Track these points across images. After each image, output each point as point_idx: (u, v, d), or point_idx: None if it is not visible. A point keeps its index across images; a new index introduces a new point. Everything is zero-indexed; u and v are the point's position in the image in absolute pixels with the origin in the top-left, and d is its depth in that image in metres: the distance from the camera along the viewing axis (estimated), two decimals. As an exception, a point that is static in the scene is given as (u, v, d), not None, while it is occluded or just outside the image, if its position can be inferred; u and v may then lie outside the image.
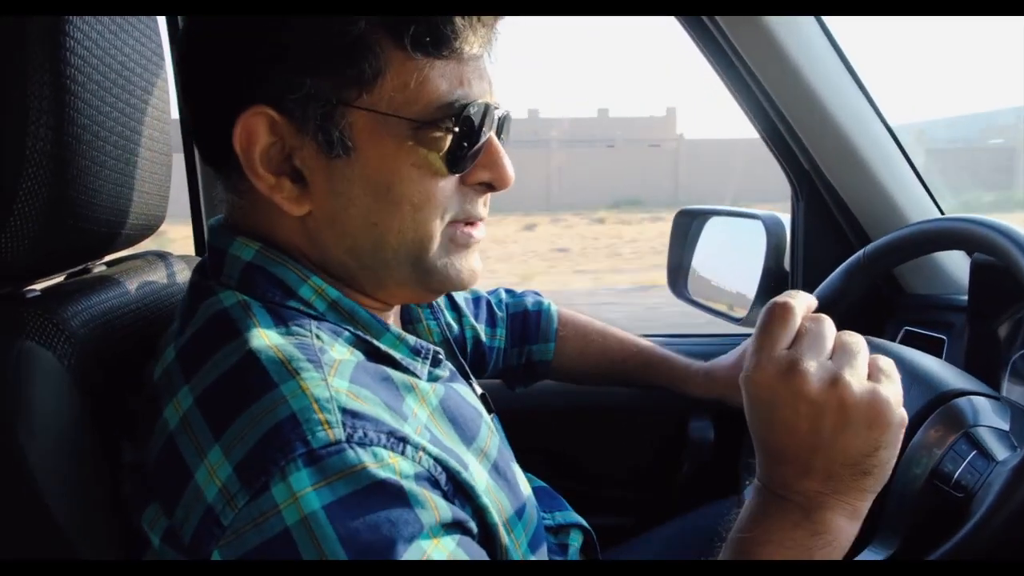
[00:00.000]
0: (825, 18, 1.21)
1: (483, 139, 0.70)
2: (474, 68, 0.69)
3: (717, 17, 1.17)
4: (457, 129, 0.67)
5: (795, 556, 0.63)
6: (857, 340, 0.65)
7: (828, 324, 0.66)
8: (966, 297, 1.15)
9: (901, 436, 0.64)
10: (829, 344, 0.65)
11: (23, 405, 0.63)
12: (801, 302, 0.66)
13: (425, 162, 0.67)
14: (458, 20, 0.65)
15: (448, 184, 0.70)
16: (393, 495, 0.57)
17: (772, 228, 1.45)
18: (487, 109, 0.69)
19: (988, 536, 0.73)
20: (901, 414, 0.64)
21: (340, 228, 0.70)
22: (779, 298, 0.66)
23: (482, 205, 0.74)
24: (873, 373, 0.64)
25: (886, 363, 0.66)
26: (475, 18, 0.66)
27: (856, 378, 0.63)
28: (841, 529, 0.64)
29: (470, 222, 0.73)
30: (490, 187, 0.73)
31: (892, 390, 0.64)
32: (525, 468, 0.83)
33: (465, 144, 0.68)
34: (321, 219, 0.70)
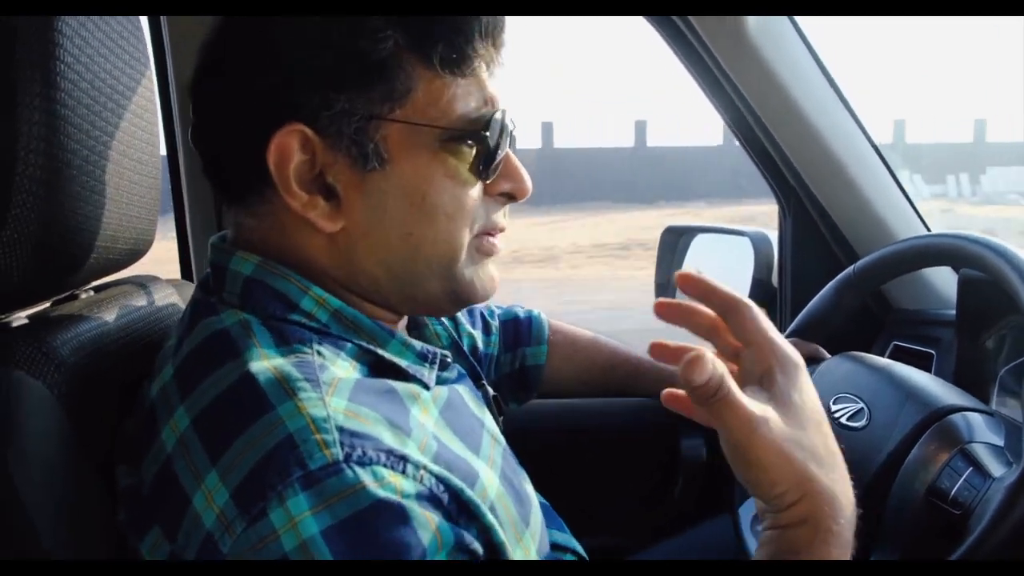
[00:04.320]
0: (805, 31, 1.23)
1: (504, 150, 0.72)
2: (492, 84, 0.72)
3: (695, 25, 1.18)
4: (483, 140, 0.70)
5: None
6: None
7: None
8: (954, 312, 1.16)
9: None
10: None
11: (13, 435, 0.61)
12: None
13: (456, 172, 0.70)
14: (478, 41, 0.68)
15: (476, 194, 0.72)
16: (394, 515, 0.56)
17: (759, 245, 1.46)
18: (505, 122, 0.71)
19: (986, 554, 0.73)
20: None
21: (375, 240, 0.70)
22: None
23: (503, 215, 0.77)
24: None
25: None
26: (490, 40, 0.70)
27: None
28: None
29: (491, 232, 0.75)
30: (510, 197, 0.76)
31: None
32: None
33: (490, 155, 0.71)
34: (355, 233, 0.70)
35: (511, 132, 0.74)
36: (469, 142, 0.70)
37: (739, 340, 0.63)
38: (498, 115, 0.71)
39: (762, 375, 0.61)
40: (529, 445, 0.95)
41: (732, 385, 0.56)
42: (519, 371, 1.17)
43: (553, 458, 1.44)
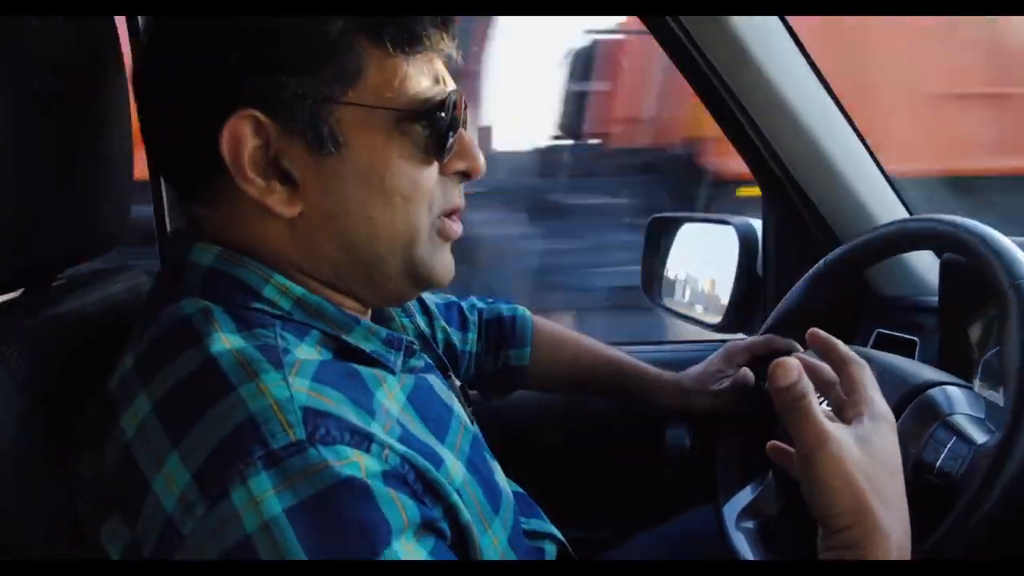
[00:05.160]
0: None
1: (458, 129, 0.72)
2: (442, 62, 0.72)
3: (682, 19, 1.18)
4: (438, 120, 0.69)
5: None
6: None
7: None
8: (937, 298, 1.16)
9: None
10: None
11: None
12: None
13: (411, 153, 0.69)
14: (427, 19, 0.68)
15: (432, 174, 0.72)
16: (358, 494, 0.56)
17: (744, 233, 1.46)
18: (458, 100, 0.71)
19: (979, 519, 0.73)
20: None
21: (335, 224, 0.70)
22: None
23: (458, 193, 0.76)
24: None
25: None
26: (440, 16, 0.69)
27: None
28: None
29: (450, 214, 0.75)
30: (465, 176, 0.76)
31: None
32: None
33: (444, 135, 0.70)
34: (314, 218, 0.69)
35: (465, 110, 0.74)
36: (423, 122, 0.69)
37: (844, 392, 0.67)
38: (452, 94, 0.70)
39: (853, 417, 0.64)
40: (511, 435, 0.95)
41: (814, 401, 0.60)
42: (502, 371, 1.17)
43: (535, 448, 1.44)
